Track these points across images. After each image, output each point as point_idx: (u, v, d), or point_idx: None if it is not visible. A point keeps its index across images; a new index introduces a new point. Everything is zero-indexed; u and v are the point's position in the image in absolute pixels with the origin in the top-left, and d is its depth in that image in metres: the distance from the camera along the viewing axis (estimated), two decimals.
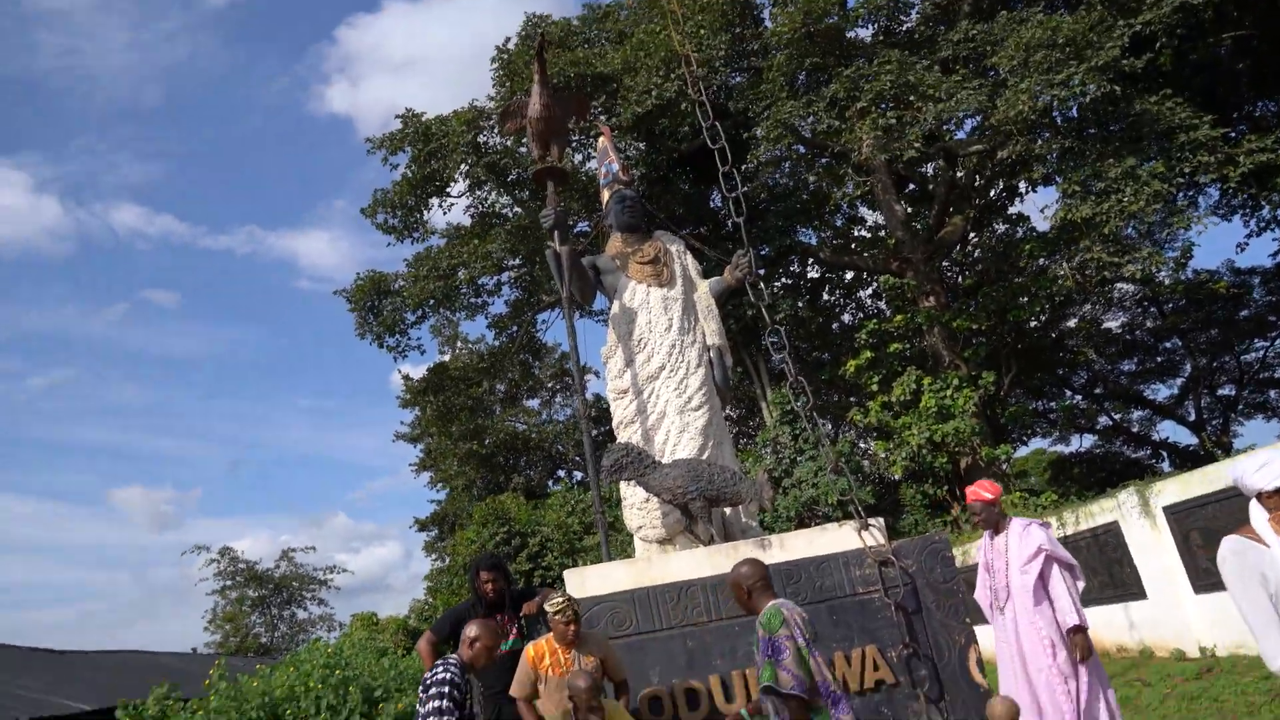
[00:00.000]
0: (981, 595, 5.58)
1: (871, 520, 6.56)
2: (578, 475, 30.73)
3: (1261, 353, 26.80)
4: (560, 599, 5.11)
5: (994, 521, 5.51)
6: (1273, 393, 27.48)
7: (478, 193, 23.70)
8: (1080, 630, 5.06)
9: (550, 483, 31.16)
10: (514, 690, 5.02)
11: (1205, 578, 10.50)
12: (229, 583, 34.53)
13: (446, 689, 4.21)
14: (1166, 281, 21.63)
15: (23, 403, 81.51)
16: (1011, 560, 5.34)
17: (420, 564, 76.41)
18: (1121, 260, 16.19)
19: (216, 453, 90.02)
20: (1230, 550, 2.88)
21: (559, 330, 32.46)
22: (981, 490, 5.49)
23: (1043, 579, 5.21)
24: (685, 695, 5.80)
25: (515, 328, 26.46)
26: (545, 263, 23.51)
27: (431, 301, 23.92)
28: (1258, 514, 2.88)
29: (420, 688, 4.43)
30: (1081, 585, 5.30)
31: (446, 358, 29.42)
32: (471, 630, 4.54)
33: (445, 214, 31.43)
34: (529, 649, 5.16)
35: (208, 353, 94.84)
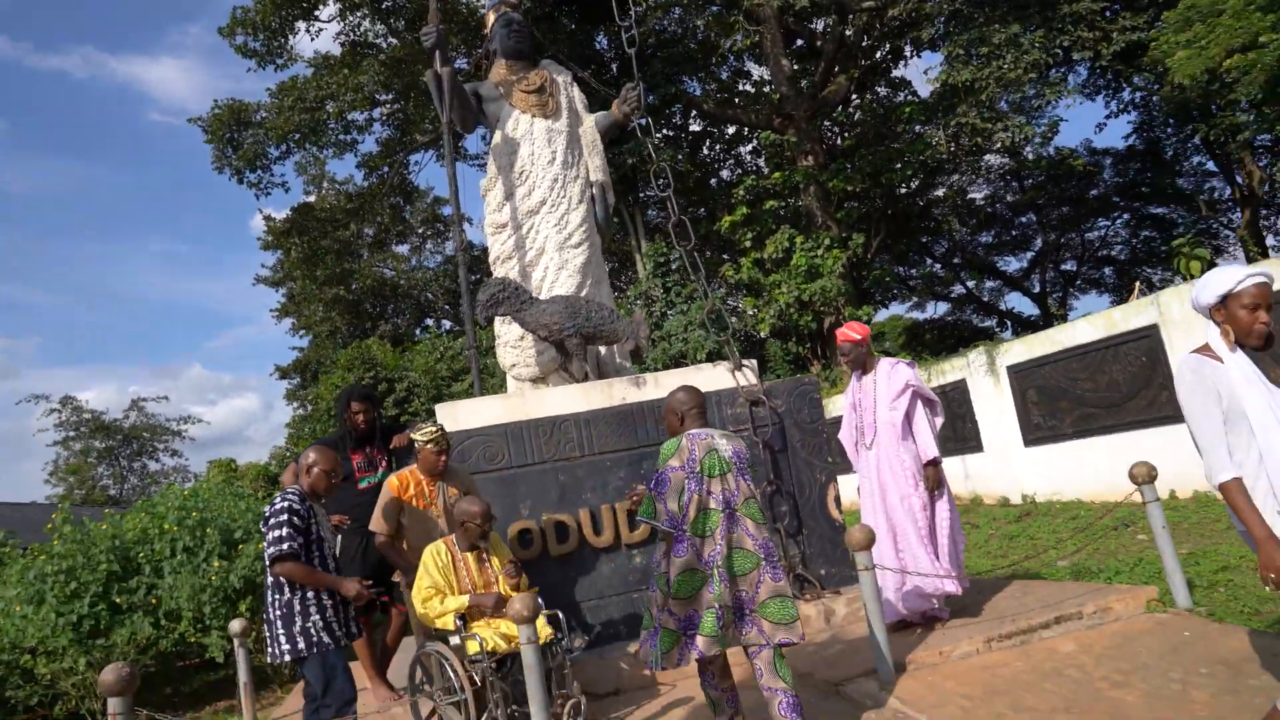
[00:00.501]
0: (846, 434, 5.74)
1: (745, 361, 6.68)
2: (446, 324, 30.26)
3: (1103, 231, 28.54)
4: (432, 428, 4.98)
5: (861, 361, 5.58)
6: (1107, 270, 29.40)
7: (349, 18, 21.85)
8: (935, 463, 5.27)
9: (418, 330, 30.55)
10: (375, 524, 4.91)
11: (1034, 432, 11.35)
12: (72, 434, 32.42)
13: (285, 516, 4.07)
14: (1030, 156, 22.43)
15: None
16: (879, 397, 5.44)
17: (281, 414, 74.30)
18: (994, 127, 16.60)
19: (56, 300, 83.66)
20: (1187, 367, 2.99)
21: (432, 173, 31.31)
22: (850, 331, 5.57)
23: (908, 415, 5.33)
24: (555, 528, 5.87)
25: (386, 168, 25.16)
26: (420, 100, 22.40)
27: (297, 136, 22.30)
28: (1212, 332, 3.00)
29: (261, 522, 4.28)
30: (940, 421, 5.50)
31: (312, 198, 27.89)
32: (309, 456, 4.34)
33: (313, 39, 29.33)
34: (392, 480, 5.03)
35: (44, 188, 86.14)
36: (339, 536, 5.60)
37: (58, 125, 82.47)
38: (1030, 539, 8.96)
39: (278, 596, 4.12)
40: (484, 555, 4.75)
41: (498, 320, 7.39)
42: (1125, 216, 27.68)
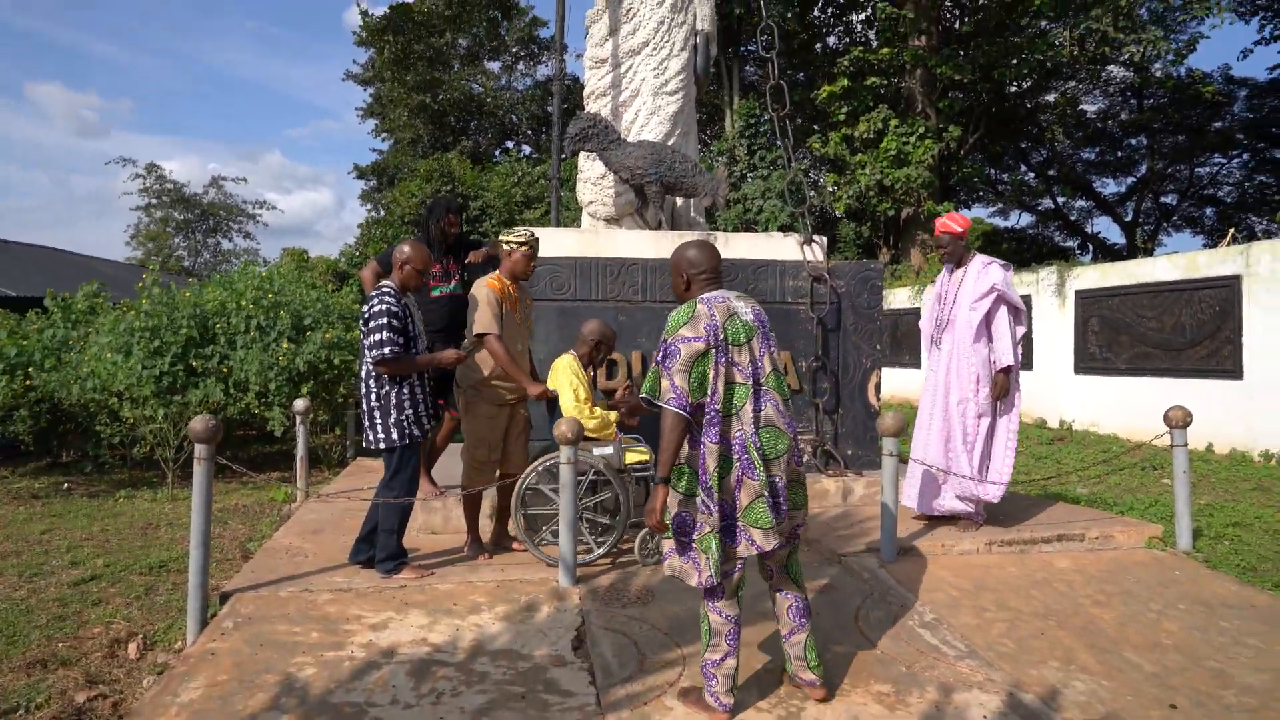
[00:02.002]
0: (926, 324, 5.67)
1: (815, 237, 6.76)
2: (526, 149, 30.07)
3: (1216, 168, 27.00)
4: (525, 232, 5.03)
5: (958, 255, 5.43)
6: (1209, 210, 28.01)
7: None
8: (1008, 370, 5.19)
9: (498, 152, 30.45)
10: (487, 325, 4.80)
11: (1087, 360, 11.31)
12: (154, 201, 33.31)
13: (385, 320, 4.39)
14: (1158, 73, 21.12)
15: None
16: (964, 294, 5.33)
17: (353, 213, 75.29)
18: (1126, 38, 15.60)
19: (149, 64, 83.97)
20: None
21: None
22: (951, 221, 5.41)
23: (988, 317, 5.24)
24: (606, 364, 6.19)
25: None
26: None
27: None
28: None
29: (360, 322, 4.59)
30: (1022, 330, 5.38)
31: None
32: (404, 252, 4.60)
33: None
34: (492, 282, 4.94)
35: None
36: None
37: None
38: (1057, 462, 9.13)
39: (375, 389, 4.51)
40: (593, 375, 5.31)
41: (582, 155, 7.49)
42: (1245, 156, 26.13)
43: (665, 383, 3.08)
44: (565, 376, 5.08)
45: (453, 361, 4.62)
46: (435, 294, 6.08)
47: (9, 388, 8.22)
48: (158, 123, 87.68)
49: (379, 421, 4.51)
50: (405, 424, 4.52)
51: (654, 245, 6.57)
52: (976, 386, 5.21)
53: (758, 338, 3.20)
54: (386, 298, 4.46)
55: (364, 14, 26.81)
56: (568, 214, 17.87)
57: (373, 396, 4.51)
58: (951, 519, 5.50)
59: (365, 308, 4.47)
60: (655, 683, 3.39)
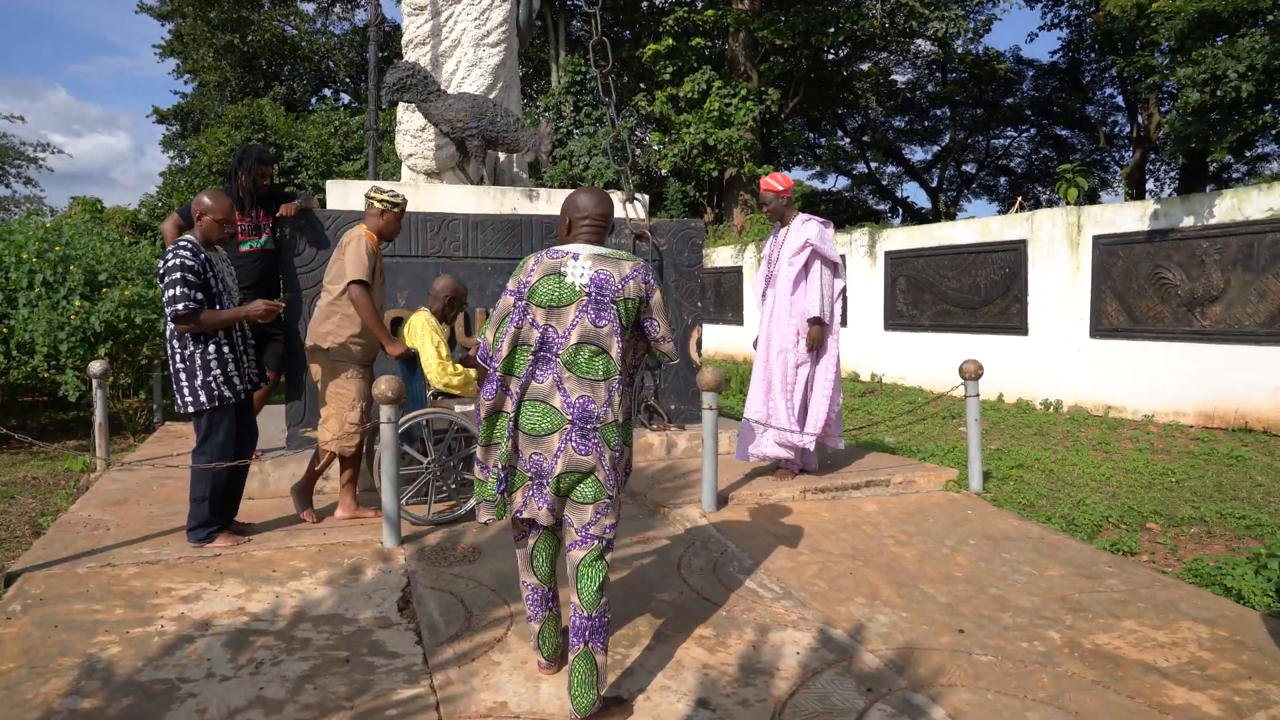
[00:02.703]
0: (757, 282, 5.80)
1: (638, 195, 6.81)
2: (345, 98, 28.66)
3: (1008, 141, 29.28)
4: (395, 192, 4.86)
5: (780, 213, 5.55)
6: (1003, 179, 30.37)
7: None
8: (817, 322, 5.35)
9: (313, 100, 28.84)
10: (361, 272, 4.58)
11: (896, 318, 12.05)
12: None
13: (179, 274, 4.08)
14: (959, 49, 22.49)
15: None
16: (784, 250, 5.49)
17: (154, 161, 69.52)
18: (930, 14, 16.52)
19: None
20: None
21: None
22: (773, 181, 5.54)
23: (806, 270, 5.39)
24: (464, 320, 6.03)
25: None
26: None
27: None
28: None
29: (157, 277, 4.25)
30: (840, 284, 5.55)
31: None
32: (203, 202, 4.29)
33: None
34: (366, 231, 4.74)
35: None
36: None
37: None
38: (868, 413, 9.69)
39: (179, 349, 4.22)
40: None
41: (401, 107, 7.21)
42: (1032, 131, 28.41)
43: (487, 331, 2.94)
44: (425, 334, 4.97)
45: (260, 313, 4.36)
46: (244, 248, 5.72)
47: None
48: None
49: (185, 384, 4.23)
50: (214, 385, 4.25)
51: (475, 201, 6.43)
52: (796, 338, 5.40)
53: (578, 305, 2.80)
54: (182, 251, 4.15)
55: None
56: (386, 165, 17.21)
57: (178, 358, 4.23)
58: (773, 468, 5.72)
59: (160, 264, 4.16)
60: (483, 639, 3.37)
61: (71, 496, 5.85)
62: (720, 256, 16.16)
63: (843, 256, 12.95)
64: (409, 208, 6.16)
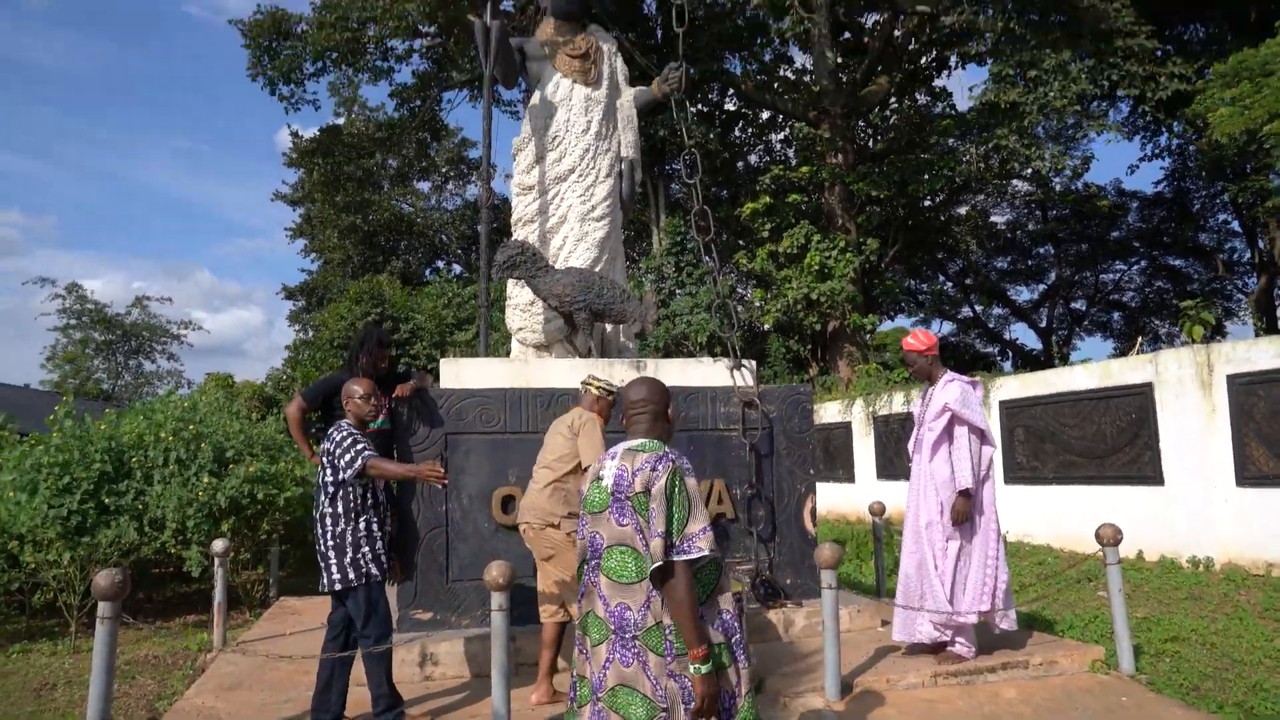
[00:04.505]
0: (909, 445, 5.56)
1: (745, 361, 6.78)
2: (456, 269, 30.24)
3: (1118, 275, 28.53)
4: (609, 381, 5.17)
5: (927, 372, 5.31)
6: (1116, 314, 29.45)
7: None
8: (966, 493, 5.02)
9: (427, 271, 30.55)
10: (599, 455, 4.75)
11: (1016, 470, 11.41)
12: (74, 322, 32.20)
13: (350, 438, 4.37)
14: (1059, 188, 22.36)
15: None
16: (928, 414, 5.26)
17: (281, 334, 74.43)
18: (1030, 153, 16.53)
19: (72, 180, 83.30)
20: None
21: (462, 114, 31.14)
22: (914, 340, 5.34)
23: (949, 436, 5.12)
24: None
25: (419, 101, 25.03)
26: (462, 37, 22.22)
27: (335, 55, 22.21)
28: None
29: (328, 450, 4.44)
30: (989, 450, 5.25)
31: (341, 120, 27.71)
32: (352, 387, 4.61)
33: None
34: (599, 420, 5.00)
35: (75, 66, 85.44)
36: None
37: (102, 5, 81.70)
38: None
39: (331, 528, 4.38)
40: None
41: (510, 281, 7.48)
42: (1143, 263, 27.67)
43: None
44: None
45: (428, 472, 4.49)
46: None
47: None
48: (82, 239, 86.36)
49: (334, 561, 4.34)
50: (363, 563, 4.35)
51: (583, 374, 6.50)
52: (942, 507, 5.11)
53: (610, 508, 2.78)
54: (346, 425, 4.47)
55: (294, 135, 27.10)
56: (497, 335, 17.83)
57: (329, 535, 4.37)
58: (936, 648, 5.27)
59: (328, 443, 4.40)
60: None
61: (188, 680, 5.90)
62: (828, 412, 15.90)
63: None
64: (520, 383, 6.29)
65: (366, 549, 4.37)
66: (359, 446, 4.36)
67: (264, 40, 21.81)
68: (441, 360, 6.74)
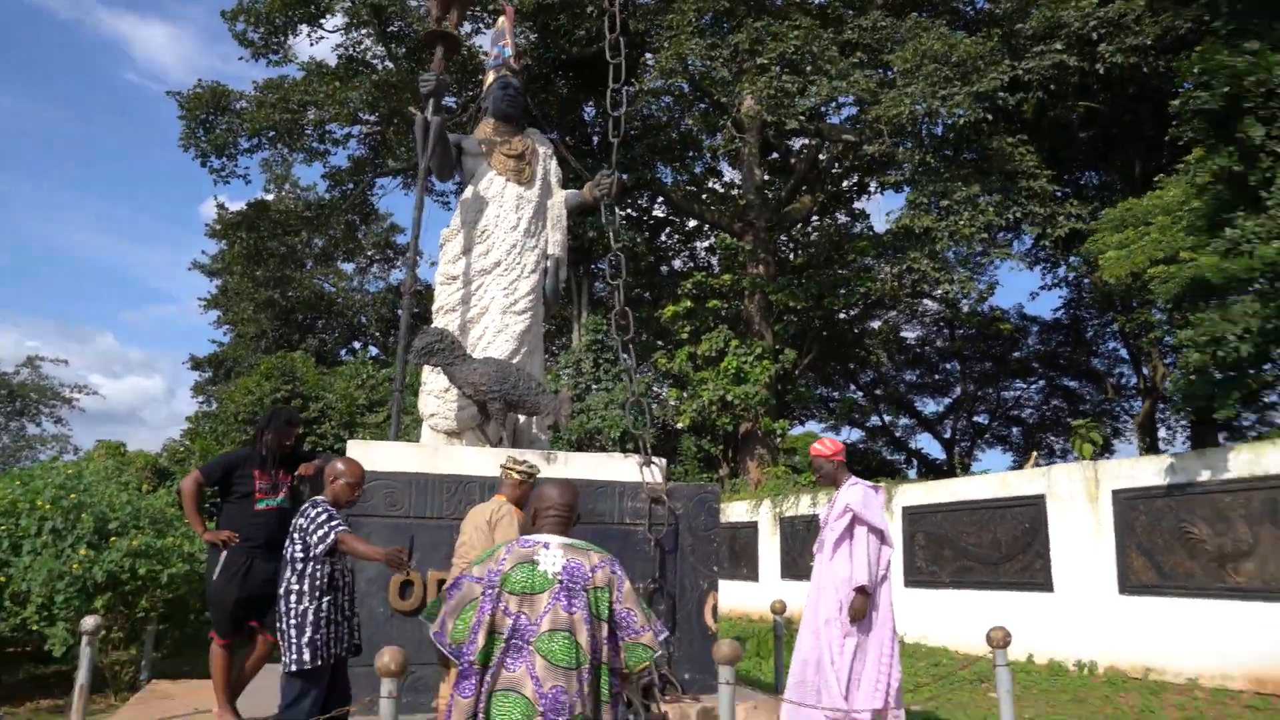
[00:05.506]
0: (815, 546, 5.74)
1: (655, 459, 6.91)
2: (374, 350, 29.95)
3: (1018, 393, 29.94)
4: (528, 461, 5.37)
5: (832, 477, 5.52)
6: (1015, 429, 30.74)
7: (353, 33, 22.13)
8: (861, 591, 5.17)
9: (343, 352, 30.16)
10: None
11: (915, 574, 11.73)
12: None
13: (326, 514, 4.38)
14: (966, 309, 23.50)
15: None
16: (831, 515, 5.46)
17: (183, 404, 72.01)
18: (940, 276, 17.41)
19: None
20: None
21: (394, 200, 31.37)
22: (820, 446, 5.57)
23: (850, 536, 5.30)
24: (436, 585, 5.93)
25: (352, 184, 25.17)
26: (401, 126, 22.56)
27: (271, 133, 22.35)
28: None
29: (301, 526, 4.41)
30: (888, 551, 5.42)
31: (270, 196, 27.61)
32: (339, 466, 4.63)
33: (312, 44, 29.19)
34: (516, 513, 5.14)
35: None
36: (223, 553, 5.56)
37: (26, 61, 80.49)
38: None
39: (294, 605, 4.32)
40: None
41: (426, 368, 7.52)
42: (1040, 382, 29.06)
43: (441, 616, 3.07)
44: None
45: (388, 555, 4.37)
46: (260, 506, 5.78)
47: None
48: None
49: (294, 640, 4.28)
50: (318, 643, 4.29)
51: (495, 463, 6.49)
52: (840, 605, 5.26)
53: (550, 592, 2.91)
54: (320, 502, 4.47)
55: (220, 207, 26.84)
56: (408, 418, 17.60)
57: (291, 614, 4.32)
58: None
59: (301, 519, 4.40)
60: None
61: None
62: (736, 511, 16.08)
63: None
64: (429, 469, 6.28)
65: (325, 630, 4.35)
66: (334, 522, 4.38)
67: (200, 113, 21.80)
68: (350, 441, 6.69)
